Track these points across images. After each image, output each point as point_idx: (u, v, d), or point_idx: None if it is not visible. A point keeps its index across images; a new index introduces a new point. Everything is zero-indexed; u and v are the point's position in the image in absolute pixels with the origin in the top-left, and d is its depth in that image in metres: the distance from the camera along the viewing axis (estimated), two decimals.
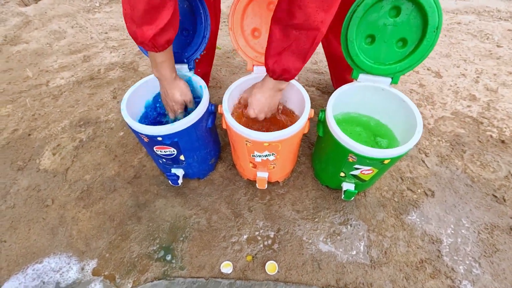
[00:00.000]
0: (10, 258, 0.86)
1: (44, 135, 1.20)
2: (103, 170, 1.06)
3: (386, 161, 0.71)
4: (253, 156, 0.82)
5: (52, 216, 0.95)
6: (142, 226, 0.91)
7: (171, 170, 0.90)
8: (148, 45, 0.65)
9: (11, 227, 0.93)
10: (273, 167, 0.88)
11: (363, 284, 0.78)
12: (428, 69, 1.43)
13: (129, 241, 0.88)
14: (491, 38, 1.58)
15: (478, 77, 1.36)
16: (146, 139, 0.76)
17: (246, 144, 0.77)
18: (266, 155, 0.81)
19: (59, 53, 1.61)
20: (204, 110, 0.78)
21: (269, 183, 1.00)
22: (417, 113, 0.75)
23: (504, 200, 0.94)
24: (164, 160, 0.86)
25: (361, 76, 0.82)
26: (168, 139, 0.75)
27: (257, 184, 0.93)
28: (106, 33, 1.76)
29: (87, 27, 1.80)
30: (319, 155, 0.93)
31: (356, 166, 0.76)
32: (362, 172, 0.78)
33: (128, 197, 0.98)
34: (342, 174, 0.83)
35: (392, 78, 0.80)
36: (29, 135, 1.20)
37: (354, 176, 0.81)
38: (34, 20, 1.84)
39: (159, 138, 0.74)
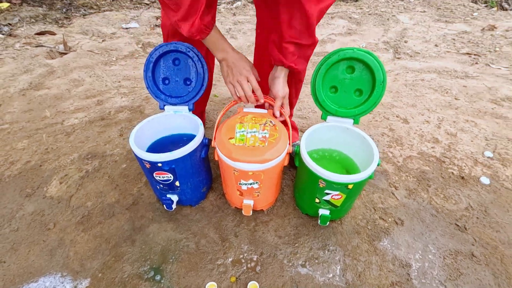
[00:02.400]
0: (7, 277, 0.91)
1: (54, 166, 1.32)
2: (104, 198, 1.16)
3: (350, 186, 0.84)
4: (239, 184, 0.94)
5: (52, 238, 1.02)
6: (136, 248, 0.98)
7: (166, 195, 1.01)
8: (198, 30, 0.83)
9: (12, 249, 0.99)
10: (258, 195, 0.99)
11: None
12: (397, 116, 1.64)
13: (122, 262, 0.94)
14: (450, 92, 1.84)
15: (439, 123, 1.57)
16: (148, 166, 0.89)
17: (234, 173, 0.90)
18: (251, 183, 0.93)
19: (76, 98, 1.83)
20: (199, 142, 0.93)
21: (254, 211, 1.09)
22: (375, 148, 0.90)
23: (466, 229, 1.03)
24: (161, 185, 0.98)
25: (329, 118, 1.00)
26: (167, 165, 0.88)
27: (243, 211, 1.03)
28: (119, 81, 2.02)
29: (103, 77, 2.07)
30: (298, 184, 1.05)
31: (327, 191, 0.88)
32: (333, 197, 0.90)
33: (125, 221, 1.07)
34: (317, 200, 0.95)
35: (353, 119, 0.97)
36: (40, 166, 1.32)
37: (327, 201, 0.93)
38: (58, 70, 2.12)
39: (159, 164, 0.88)
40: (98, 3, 3.65)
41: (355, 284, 0.88)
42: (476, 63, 2.17)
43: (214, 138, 0.95)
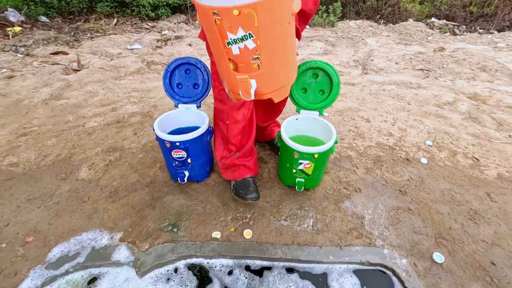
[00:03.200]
0: (57, 234, 1.16)
1: (81, 157, 1.59)
2: (127, 179, 1.44)
3: (315, 155, 1.17)
4: (228, 44, 0.68)
5: (88, 208, 1.28)
6: (156, 212, 1.26)
7: (180, 171, 1.30)
8: None
9: (56, 216, 1.25)
10: (257, 65, 0.71)
11: (310, 242, 1.13)
12: (361, 117, 2.02)
13: (146, 221, 1.21)
14: (404, 99, 2.26)
15: (394, 122, 1.95)
16: (168, 145, 1.20)
17: (215, 21, 0.65)
18: (242, 38, 0.66)
19: (93, 106, 2.13)
20: (206, 128, 1.25)
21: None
22: (334, 131, 1.24)
23: (406, 193, 1.37)
24: (176, 162, 1.28)
25: (301, 111, 1.35)
26: (183, 144, 1.19)
27: (241, 94, 0.78)
28: (129, 93, 2.34)
29: (114, 89, 2.38)
30: (280, 161, 1.38)
31: (300, 161, 1.20)
32: (305, 166, 1.22)
33: (145, 194, 1.35)
34: (294, 171, 1.27)
35: (319, 111, 1.32)
36: (70, 157, 1.60)
37: (301, 171, 1.25)
38: (74, 84, 2.42)
39: (177, 143, 1.18)
40: (103, 27, 4.04)
41: (323, 230, 1.19)
42: (427, 76, 2.63)
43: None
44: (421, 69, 2.76)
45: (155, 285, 1.01)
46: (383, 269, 1.07)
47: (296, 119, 1.35)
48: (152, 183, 1.42)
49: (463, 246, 1.12)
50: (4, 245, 1.12)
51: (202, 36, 1.12)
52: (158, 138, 1.23)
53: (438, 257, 1.07)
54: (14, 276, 1.01)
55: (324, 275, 1.04)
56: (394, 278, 1.04)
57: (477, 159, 1.59)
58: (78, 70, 2.67)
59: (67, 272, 1.03)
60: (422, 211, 1.28)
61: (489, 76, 2.59)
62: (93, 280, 1.02)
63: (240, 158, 1.28)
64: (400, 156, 1.62)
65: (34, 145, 1.69)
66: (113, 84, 2.48)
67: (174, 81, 1.38)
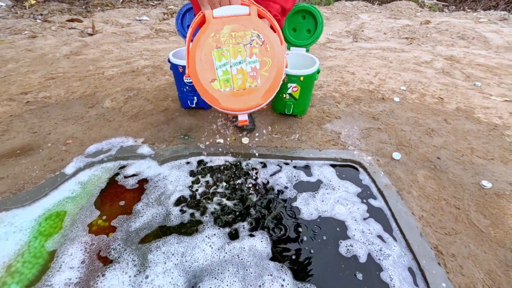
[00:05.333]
0: (91, 138, 1.42)
1: (104, 94, 1.84)
2: (144, 107, 1.69)
3: (301, 78, 1.41)
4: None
5: (114, 124, 1.54)
6: (170, 127, 1.51)
7: (190, 95, 1.55)
8: None
9: (88, 129, 1.50)
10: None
11: (295, 147, 1.39)
12: (347, 71, 2.26)
13: (163, 132, 1.47)
14: (387, 59, 2.49)
15: (376, 75, 2.19)
16: (181, 69, 1.44)
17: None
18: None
19: (109, 60, 2.37)
20: None
21: None
22: (317, 62, 1.48)
23: (378, 119, 1.62)
24: (187, 87, 1.52)
25: (292, 48, 1.59)
26: None
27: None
28: (141, 52, 2.57)
29: (127, 49, 2.62)
30: None
31: (289, 84, 1.45)
32: (293, 89, 1.47)
33: (161, 116, 1.60)
34: (284, 96, 1.51)
35: (306, 48, 1.56)
36: (94, 94, 1.84)
37: (290, 94, 1.50)
38: (91, 44, 2.65)
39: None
40: (112, 2, 4.24)
41: (306, 141, 1.44)
42: (411, 43, 2.86)
43: (188, 66, 0.80)
44: (406, 38, 2.99)
45: (171, 171, 1.27)
46: (352, 164, 1.33)
47: (287, 54, 1.59)
48: (166, 110, 1.67)
49: (417, 149, 1.37)
50: (49, 144, 1.38)
51: None
52: (172, 66, 1.48)
53: (397, 155, 1.33)
54: (61, 161, 1.27)
55: (308, 167, 1.30)
56: (360, 169, 1.30)
57: (442, 98, 1.83)
58: (93, 35, 2.89)
59: (102, 161, 1.29)
60: (389, 130, 1.53)
61: (466, 43, 2.82)
62: (122, 167, 1.28)
63: None
64: (377, 97, 1.87)
65: (62, 85, 1.94)
66: (126, 45, 2.71)
67: (185, 22, 1.61)
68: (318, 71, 1.46)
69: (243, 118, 0.87)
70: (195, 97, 1.56)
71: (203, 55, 0.78)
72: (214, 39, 0.79)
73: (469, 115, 1.65)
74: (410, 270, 0.88)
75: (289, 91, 1.47)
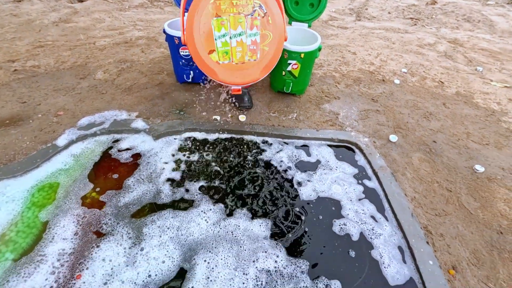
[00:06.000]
0: (83, 111, 1.37)
1: (96, 65, 1.76)
2: (138, 80, 1.63)
3: (302, 55, 1.36)
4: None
5: (107, 97, 1.48)
6: (166, 102, 1.46)
7: (186, 69, 1.49)
8: None
9: (80, 101, 1.44)
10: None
11: (293, 126, 1.36)
12: (348, 51, 2.19)
13: (158, 106, 1.42)
14: (390, 40, 2.41)
15: (377, 56, 2.13)
16: (177, 41, 1.37)
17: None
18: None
19: (101, 29, 2.24)
20: None
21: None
22: (319, 38, 1.42)
23: (377, 101, 1.59)
24: (183, 61, 1.46)
25: (293, 23, 1.51)
26: None
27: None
28: (135, 22, 2.43)
29: (120, 18, 2.47)
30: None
31: (289, 61, 1.40)
32: (292, 67, 1.42)
33: (155, 91, 1.54)
34: (283, 73, 1.46)
35: (308, 23, 1.49)
36: (86, 64, 1.76)
37: (289, 72, 1.45)
38: (81, 11, 2.49)
39: None
40: None
41: (304, 120, 1.42)
42: (415, 24, 2.76)
43: (183, 32, 0.77)
44: (410, 18, 2.89)
45: (166, 146, 1.25)
46: (349, 145, 1.32)
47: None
48: (161, 84, 1.61)
49: (414, 132, 1.37)
50: (40, 115, 1.32)
51: None
52: (167, 37, 1.40)
53: (393, 137, 1.32)
54: (52, 133, 1.23)
55: (307, 147, 1.29)
56: (357, 150, 1.29)
57: (442, 82, 1.80)
58: (83, 1, 2.71)
59: (95, 134, 1.25)
60: (387, 112, 1.51)
61: (471, 26, 2.74)
62: (116, 141, 1.25)
63: None
64: (377, 78, 1.82)
65: (51, 54, 1.84)
66: (118, 14, 2.55)
67: None
68: (319, 48, 1.40)
69: (236, 87, 0.86)
70: (191, 72, 1.50)
71: (201, 24, 0.74)
72: (214, 6, 0.75)
73: (468, 100, 1.64)
74: (399, 248, 0.90)
75: (289, 68, 1.42)
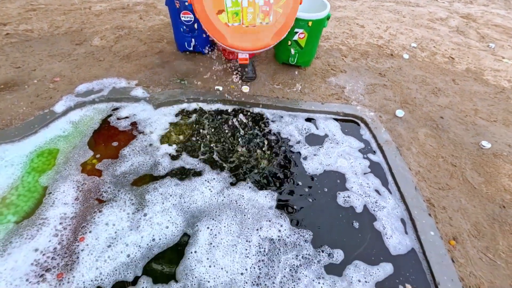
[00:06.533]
0: (80, 77, 1.31)
1: (92, 31, 1.66)
2: (137, 48, 1.55)
3: (309, 23, 1.28)
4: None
5: (105, 64, 1.41)
6: (166, 70, 1.40)
7: (188, 37, 1.41)
8: None
9: (77, 67, 1.38)
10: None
11: (298, 98, 1.32)
12: (356, 24, 2.08)
13: (158, 75, 1.37)
14: (400, 14, 2.29)
15: (386, 29, 2.03)
16: (178, 5, 1.28)
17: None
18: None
19: None
20: None
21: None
22: (328, 5, 1.33)
23: (384, 76, 1.53)
24: (184, 27, 1.38)
25: None
26: (190, 5, 1.28)
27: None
28: None
29: None
30: None
31: (296, 29, 1.32)
32: (299, 36, 1.34)
33: (155, 59, 1.47)
34: (289, 43, 1.39)
35: None
36: (81, 30, 1.66)
37: (295, 41, 1.37)
38: None
39: (186, 3, 1.27)
40: None
41: (309, 93, 1.37)
42: None
43: None
44: None
45: (166, 115, 1.21)
46: (354, 119, 1.29)
47: None
48: (161, 52, 1.53)
49: (421, 108, 1.33)
50: (35, 81, 1.27)
51: None
52: (167, 1, 1.31)
53: (400, 112, 1.29)
54: (49, 99, 1.18)
55: (314, 120, 1.25)
56: (362, 124, 1.26)
57: (452, 58, 1.74)
58: None
59: (94, 102, 1.21)
60: (395, 87, 1.46)
61: (486, 1, 2.60)
62: (115, 109, 1.21)
63: None
64: (386, 52, 1.75)
65: (44, 18, 1.73)
66: None
67: None
68: (328, 17, 1.32)
69: (243, 56, 0.79)
70: (193, 39, 1.42)
71: None
72: None
73: (478, 77, 1.58)
74: (402, 220, 0.90)
75: (295, 37, 1.35)
